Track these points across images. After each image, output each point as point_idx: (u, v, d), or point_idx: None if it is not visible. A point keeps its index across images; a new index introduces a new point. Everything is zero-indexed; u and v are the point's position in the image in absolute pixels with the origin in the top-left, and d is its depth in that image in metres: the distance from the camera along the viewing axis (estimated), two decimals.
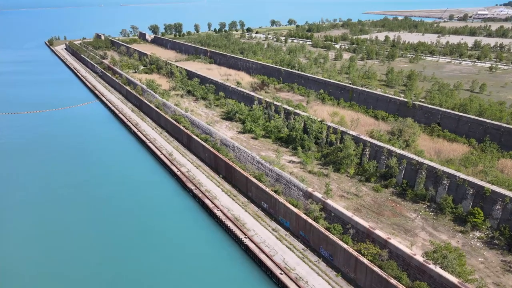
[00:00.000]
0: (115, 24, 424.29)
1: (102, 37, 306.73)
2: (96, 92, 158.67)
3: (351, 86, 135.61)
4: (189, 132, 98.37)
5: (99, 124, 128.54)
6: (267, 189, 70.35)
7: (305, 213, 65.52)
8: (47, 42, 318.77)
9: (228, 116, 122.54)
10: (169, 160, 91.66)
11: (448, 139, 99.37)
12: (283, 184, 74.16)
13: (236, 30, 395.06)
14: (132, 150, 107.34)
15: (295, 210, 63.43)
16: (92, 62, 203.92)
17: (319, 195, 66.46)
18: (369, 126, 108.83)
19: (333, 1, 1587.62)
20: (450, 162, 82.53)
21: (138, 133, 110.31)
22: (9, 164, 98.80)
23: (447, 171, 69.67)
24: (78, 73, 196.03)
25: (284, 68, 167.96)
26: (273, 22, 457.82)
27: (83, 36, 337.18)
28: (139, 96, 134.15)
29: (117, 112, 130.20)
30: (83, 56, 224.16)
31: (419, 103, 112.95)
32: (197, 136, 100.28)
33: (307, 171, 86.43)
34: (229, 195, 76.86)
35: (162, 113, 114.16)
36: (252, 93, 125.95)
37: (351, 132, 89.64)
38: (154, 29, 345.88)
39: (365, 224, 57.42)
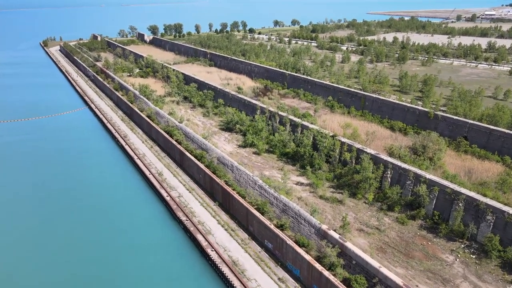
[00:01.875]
0: (114, 25, 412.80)
1: (99, 38, 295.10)
2: (86, 98, 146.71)
3: (363, 92, 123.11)
4: (182, 148, 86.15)
5: (85, 134, 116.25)
6: (271, 226, 58.03)
7: (319, 258, 53.18)
8: (41, 43, 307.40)
9: (228, 127, 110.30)
10: (158, 182, 79.42)
11: (478, 156, 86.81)
12: (291, 217, 61.83)
13: (238, 31, 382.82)
14: (118, 166, 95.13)
15: (307, 257, 51.11)
16: (84, 65, 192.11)
17: (336, 236, 54.10)
18: (385, 139, 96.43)
19: (336, 1, 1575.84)
20: (485, 186, 70.05)
21: (126, 146, 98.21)
22: None
23: (492, 205, 57.13)
24: (69, 77, 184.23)
25: (289, 72, 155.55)
26: (276, 23, 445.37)
27: (80, 36, 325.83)
28: (130, 104, 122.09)
29: (105, 121, 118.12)
30: (75, 58, 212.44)
31: (442, 113, 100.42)
32: (191, 152, 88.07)
33: (318, 195, 74.16)
34: (226, 229, 64.58)
35: (154, 125, 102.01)
36: (254, 101, 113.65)
37: (369, 151, 77.19)
38: (153, 30, 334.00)
39: (398, 280, 45.04)
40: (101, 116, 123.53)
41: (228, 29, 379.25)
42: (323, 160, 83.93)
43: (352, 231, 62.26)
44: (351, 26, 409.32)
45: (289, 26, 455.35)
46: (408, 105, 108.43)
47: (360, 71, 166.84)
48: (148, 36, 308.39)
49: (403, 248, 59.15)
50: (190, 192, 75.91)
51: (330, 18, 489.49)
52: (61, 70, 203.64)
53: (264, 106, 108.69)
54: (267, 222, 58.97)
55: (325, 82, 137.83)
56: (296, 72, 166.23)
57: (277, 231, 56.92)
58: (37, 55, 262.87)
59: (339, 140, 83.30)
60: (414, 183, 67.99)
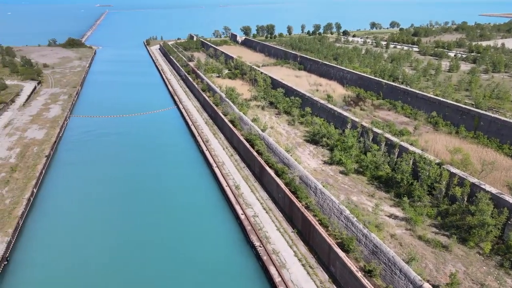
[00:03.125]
0: (211, 25, 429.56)
1: (195, 38, 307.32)
2: (175, 97, 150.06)
3: (477, 110, 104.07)
4: (261, 161, 79.95)
5: (169, 134, 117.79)
6: (358, 274, 48.22)
7: None
8: (145, 42, 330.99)
9: (314, 139, 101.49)
10: (234, 196, 74.24)
11: None
12: (383, 263, 51.17)
13: (331, 33, 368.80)
14: (196, 171, 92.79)
15: None
16: (178, 64, 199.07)
17: None
18: (507, 171, 78.66)
19: (444, 1, 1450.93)
20: None
21: (207, 152, 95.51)
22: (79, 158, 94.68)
23: None
24: (163, 75, 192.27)
25: (386, 81, 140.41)
26: (373, 25, 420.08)
27: (178, 36, 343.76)
28: (214, 107, 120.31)
29: (190, 123, 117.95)
30: (171, 57, 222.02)
31: None
32: (272, 165, 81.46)
33: (416, 235, 61.74)
34: (303, 264, 56.28)
35: (236, 132, 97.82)
36: (345, 114, 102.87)
37: (488, 188, 62.14)
38: (246, 31, 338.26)
39: None
40: (186, 117, 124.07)
41: (321, 31, 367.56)
42: (424, 191, 70.61)
43: None
44: (460, 30, 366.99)
45: (388, 28, 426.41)
46: None
47: (473, 82, 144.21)
48: (240, 37, 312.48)
49: None
50: (267, 212, 69.23)
51: (436, 20, 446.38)
52: (158, 69, 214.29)
53: (356, 119, 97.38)
54: (353, 268, 49.25)
55: (428, 95, 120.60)
56: (393, 81, 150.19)
57: (365, 281, 46.94)
58: (140, 53, 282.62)
59: (448, 170, 69.10)
60: None
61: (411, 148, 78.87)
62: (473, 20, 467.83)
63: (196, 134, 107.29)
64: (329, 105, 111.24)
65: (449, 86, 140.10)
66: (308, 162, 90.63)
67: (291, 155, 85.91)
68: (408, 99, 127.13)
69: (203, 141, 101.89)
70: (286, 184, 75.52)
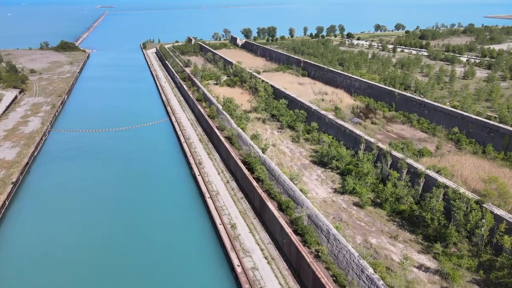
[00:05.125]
0: (211, 27, 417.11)
1: (193, 41, 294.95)
2: (169, 108, 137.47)
3: (507, 127, 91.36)
4: (262, 194, 67.35)
5: (158, 154, 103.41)
6: None
7: None
8: (141, 45, 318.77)
9: (322, 160, 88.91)
10: (229, 238, 61.49)
11: None
12: None
13: (335, 36, 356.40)
14: (186, 202, 78.86)
15: None
16: (173, 70, 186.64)
17: None
18: None
19: (446, 2, 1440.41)
20: None
21: (199, 177, 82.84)
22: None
23: None
24: (158, 82, 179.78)
25: (399, 91, 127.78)
26: (377, 27, 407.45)
27: (176, 39, 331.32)
28: (210, 122, 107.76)
29: (182, 140, 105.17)
30: (167, 62, 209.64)
31: None
32: (274, 197, 69.07)
33: None
34: None
35: (232, 153, 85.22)
36: (358, 132, 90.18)
37: None
38: (246, 33, 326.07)
39: None
40: (179, 132, 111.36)
41: (324, 33, 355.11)
42: (461, 236, 57.99)
43: None
44: (468, 32, 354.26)
45: (393, 31, 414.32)
46: None
47: (494, 92, 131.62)
48: (240, 40, 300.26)
49: None
50: (268, 263, 56.43)
51: (442, 22, 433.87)
52: (152, 74, 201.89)
53: (372, 140, 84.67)
54: None
55: (448, 108, 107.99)
56: (405, 90, 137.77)
57: None
58: (136, 57, 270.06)
59: (491, 212, 56.42)
60: None
61: (441, 179, 66.17)
62: (478, 22, 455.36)
63: (189, 154, 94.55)
64: (339, 121, 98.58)
65: (468, 96, 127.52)
66: (316, 190, 78.13)
67: (297, 183, 73.43)
68: (425, 112, 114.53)
69: (195, 163, 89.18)
70: (292, 222, 63.13)
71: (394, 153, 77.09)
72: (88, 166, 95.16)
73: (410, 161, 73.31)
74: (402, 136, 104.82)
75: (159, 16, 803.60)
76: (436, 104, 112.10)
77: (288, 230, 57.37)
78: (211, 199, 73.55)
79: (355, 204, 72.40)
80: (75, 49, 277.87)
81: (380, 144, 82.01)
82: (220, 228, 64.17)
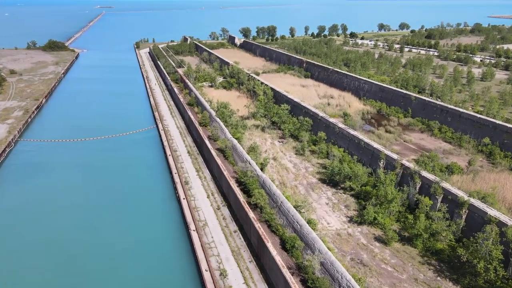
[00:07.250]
0: (209, 27, 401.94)
1: (188, 41, 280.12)
2: (156, 113, 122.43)
3: None
4: (261, 231, 52.43)
5: (140, 169, 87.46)
6: None
7: None
8: (134, 45, 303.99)
9: (332, 179, 74.14)
10: None
11: None
12: None
13: (338, 35, 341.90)
14: (166, 234, 63.92)
15: None
16: (165, 71, 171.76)
17: None
18: None
19: (450, 3, 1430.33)
20: None
21: (184, 202, 67.80)
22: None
23: None
24: (147, 84, 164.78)
25: (416, 95, 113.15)
26: (381, 27, 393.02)
27: (172, 38, 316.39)
28: (201, 131, 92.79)
29: (168, 152, 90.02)
30: (159, 63, 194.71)
31: None
32: (277, 231, 54.44)
33: None
34: None
35: (224, 171, 70.40)
36: (376, 146, 75.28)
37: None
38: (245, 32, 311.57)
39: None
40: (165, 143, 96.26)
41: (326, 32, 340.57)
42: None
43: None
44: (476, 32, 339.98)
45: (397, 30, 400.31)
46: None
47: None
48: (238, 39, 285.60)
49: None
50: None
51: (447, 21, 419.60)
52: (143, 76, 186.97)
53: (394, 156, 69.75)
54: None
55: (478, 115, 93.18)
56: (419, 93, 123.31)
57: None
58: (128, 58, 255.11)
59: None
60: None
61: (491, 211, 51.33)
62: (483, 21, 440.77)
63: (174, 171, 79.46)
64: (352, 131, 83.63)
65: (493, 100, 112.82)
66: (326, 218, 63.42)
67: (304, 212, 58.67)
68: (447, 119, 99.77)
69: (181, 182, 74.10)
70: (299, 268, 48.51)
71: (424, 173, 62.22)
72: (53, 186, 79.49)
73: (446, 185, 58.47)
74: (423, 147, 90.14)
75: (156, 16, 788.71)
76: (461, 110, 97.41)
77: (296, 286, 42.43)
78: (197, 232, 58.52)
79: (377, 239, 57.70)
80: (64, 49, 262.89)
81: (405, 162, 67.07)
82: (206, 276, 49.20)
